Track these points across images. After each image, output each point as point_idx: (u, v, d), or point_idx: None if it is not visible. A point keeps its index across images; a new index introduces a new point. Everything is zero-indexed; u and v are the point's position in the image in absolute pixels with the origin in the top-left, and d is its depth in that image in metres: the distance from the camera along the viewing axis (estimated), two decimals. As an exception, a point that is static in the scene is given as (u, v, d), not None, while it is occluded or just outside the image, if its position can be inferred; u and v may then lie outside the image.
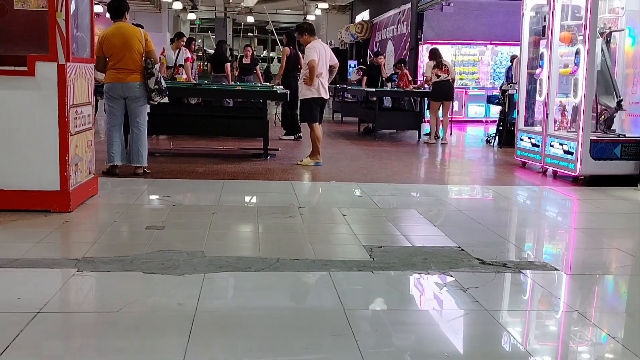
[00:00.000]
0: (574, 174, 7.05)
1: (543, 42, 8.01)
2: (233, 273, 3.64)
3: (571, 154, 7.03)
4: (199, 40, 31.59)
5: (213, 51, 12.99)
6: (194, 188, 6.49)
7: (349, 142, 11.11)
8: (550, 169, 7.61)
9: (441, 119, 11.20)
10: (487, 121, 15.62)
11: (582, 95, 6.90)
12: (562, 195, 6.74)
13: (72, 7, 4.98)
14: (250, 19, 29.79)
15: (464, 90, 15.92)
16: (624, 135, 7.15)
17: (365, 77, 13.92)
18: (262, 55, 36.36)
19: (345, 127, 13.99)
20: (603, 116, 7.27)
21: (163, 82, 6.76)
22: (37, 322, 2.85)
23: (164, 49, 11.12)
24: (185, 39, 11.28)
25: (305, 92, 7.84)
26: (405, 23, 17.42)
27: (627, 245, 4.80)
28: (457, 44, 16.12)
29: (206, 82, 11.03)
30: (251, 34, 36.01)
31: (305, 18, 21.64)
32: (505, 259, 4.08)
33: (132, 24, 6.96)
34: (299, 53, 10.41)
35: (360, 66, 18.16)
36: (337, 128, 13.84)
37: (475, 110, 16.20)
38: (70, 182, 4.96)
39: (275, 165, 7.87)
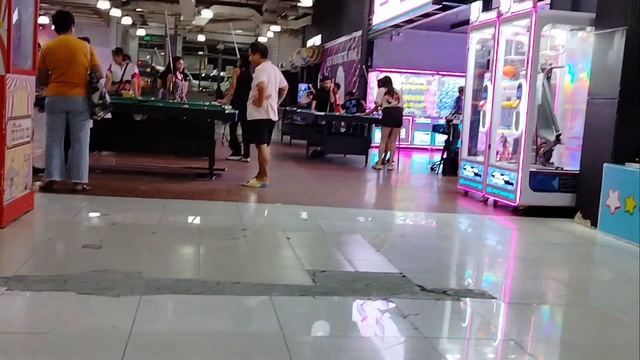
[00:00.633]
0: (513, 204, 7.22)
1: (487, 75, 8.22)
2: (171, 295, 3.55)
3: (511, 184, 7.21)
4: (147, 57, 31.28)
5: (163, 68, 12.85)
6: (135, 207, 6.34)
7: (297, 164, 11.11)
8: (491, 198, 7.78)
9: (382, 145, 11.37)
10: (432, 149, 15.91)
11: (523, 128, 7.10)
12: (502, 225, 6.89)
13: (15, 17, 4.84)
14: (202, 38, 29.72)
15: (410, 118, 16.19)
16: (562, 168, 7.37)
17: (314, 101, 14.01)
18: (211, 75, 36.26)
19: (293, 150, 14.01)
20: (542, 149, 7.49)
21: (107, 97, 6.63)
22: (-41, 344, 2.71)
23: (111, 65, 10.94)
24: (122, 56, 11.13)
25: (253, 114, 7.80)
26: (355, 50, 17.67)
27: (563, 276, 4.93)
28: (406, 72, 16.42)
29: (153, 98, 10.86)
30: (201, 53, 35.86)
31: (257, 39, 21.67)
32: (445, 286, 4.13)
33: (78, 37, 6.82)
34: (251, 74, 10.40)
35: (311, 90, 18.29)
36: (286, 150, 13.84)
37: (422, 138, 16.50)
38: (5, 197, 4.77)
39: (221, 186, 7.79)
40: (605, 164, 6.31)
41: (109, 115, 6.78)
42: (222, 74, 34.37)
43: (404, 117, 11.85)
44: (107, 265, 4.00)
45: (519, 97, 7.21)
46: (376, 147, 11.71)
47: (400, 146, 12.66)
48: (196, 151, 8.97)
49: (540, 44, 7.11)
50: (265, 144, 7.90)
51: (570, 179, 7.09)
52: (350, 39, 18.24)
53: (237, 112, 8.83)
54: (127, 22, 24.38)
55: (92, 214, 5.96)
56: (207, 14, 22.55)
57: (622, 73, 6.25)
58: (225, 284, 3.78)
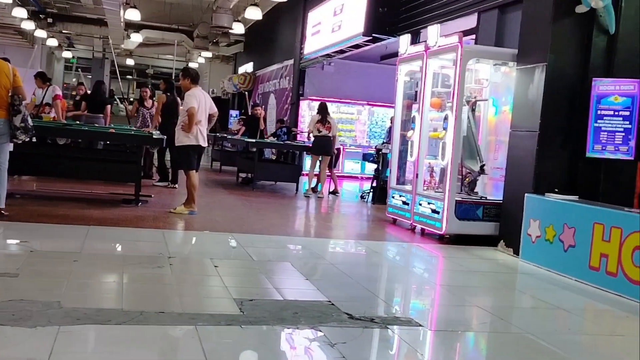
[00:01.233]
0: (440, 232, 7.37)
1: (415, 106, 8.43)
2: (92, 326, 3.41)
3: (438, 213, 7.36)
4: (73, 80, 30.46)
5: (89, 91, 12.53)
6: (56, 233, 6.08)
7: (226, 191, 11.00)
8: (418, 227, 7.92)
9: (318, 173, 11.44)
10: (362, 178, 16.11)
11: (449, 158, 7.29)
12: (429, 253, 7.01)
13: None
14: (130, 62, 29.21)
15: (341, 146, 16.36)
16: (486, 197, 7.60)
17: (243, 127, 13.99)
18: (120, 97, 35.60)
19: (223, 176, 13.87)
20: (467, 179, 7.70)
21: (30, 120, 6.40)
22: None
23: (35, 89, 10.60)
24: (40, 79, 10.73)
25: (182, 139, 7.69)
26: (287, 78, 17.79)
27: (487, 303, 5.05)
28: (336, 102, 16.64)
29: (77, 122, 10.54)
30: (130, 77, 35.24)
31: (187, 65, 21.51)
32: (373, 314, 4.14)
33: (0, 57, 6.57)
34: (178, 99, 10.30)
35: (242, 116, 18.26)
36: (215, 177, 13.69)
37: (352, 166, 16.70)
38: None
39: (147, 213, 7.60)
40: (526, 194, 6.54)
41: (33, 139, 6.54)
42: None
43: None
44: (24, 294, 3.81)
45: (445, 128, 7.41)
46: (307, 174, 11.76)
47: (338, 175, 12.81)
48: (122, 177, 8.73)
49: (466, 78, 7.36)
50: (194, 170, 7.79)
51: (493, 208, 7.30)
52: (283, 67, 18.37)
53: (165, 137, 8.68)
54: (53, 44, 23.70)
55: (9, 241, 5.69)
56: (136, 37, 22.22)
57: (542, 107, 6.54)
58: (149, 314, 3.66)
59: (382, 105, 16.41)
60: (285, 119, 15.71)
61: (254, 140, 12.16)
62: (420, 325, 4.03)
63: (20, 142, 6.36)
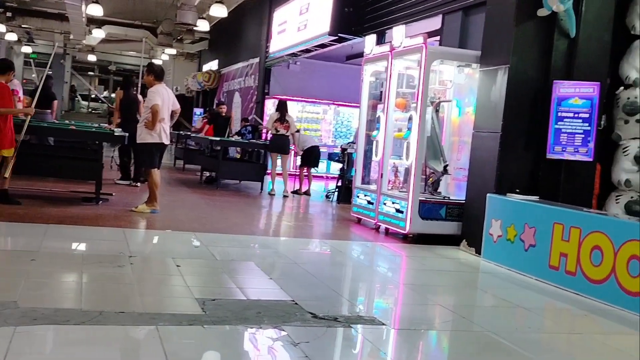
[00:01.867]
0: (404, 232, 7.41)
1: (380, 107, 8.46)
2: (49, 326, 3.33)
3: (402, 212, 7.40)
4: (33, 75, 29.80)
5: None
6: (12, 232, 5.92)
7: (189, 190, 10.88)
8: (383, 226, 7.95)
9: (281, 172, 11.42)
10: (327, 177, 16.11)
11: (413, 158, 7.34)
12: (392, 252, 7.04)
13: None
14: (92, 58, 28.73)
15: (317, 146, 16.35)
16: (449, 197, 7.67)
17: (207, 126, 13.86)
18: (102, 96, 35.11)
19: (186, 175, 13.72)
20: (431, 179, 7.76)
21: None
22: None
23: None
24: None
25: (145, 137, 7.57)
26: (253, 76, 17.70)
27: (449, 302, 5.09)
28: (302, 101, 16.62)
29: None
30: (92, 73, 34.67)
31: (151, 61, 21.22)
32: (336, 313, 4.14)
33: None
34: (139, 97, 10.17)
35: (206, 114, 18.10)
36: (178, 175, 13.53)
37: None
38: None
39: (107, 211, 7.46)
40: (488, 195, 6.62)
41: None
42: (112, 95, 33.39)
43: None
44: (-23, 294, 3.69)
45: (409, 129, 7.45)
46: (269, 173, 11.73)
47: (294, 173, 12.77)
48: (82, 174, 8.55)
49: (430, 79, 7.41)
50: (156, 168, 7.68)
51: (456, 208, 7.37)
52: (248, 65, 18.27)
53: (127, 135, 8.54)
54: (12, 39, 23.15)
55: (-38, 240, 5.52)
56: (98, 33, 21.85)
57: (505, 109, 6.62)
58: (109, 314, 3.59)
59: (348, 105, 16.44)
60: (250, 117, 15.64)
61: (218, 139, 12.06)
62: (383, 324, 4.04)
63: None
